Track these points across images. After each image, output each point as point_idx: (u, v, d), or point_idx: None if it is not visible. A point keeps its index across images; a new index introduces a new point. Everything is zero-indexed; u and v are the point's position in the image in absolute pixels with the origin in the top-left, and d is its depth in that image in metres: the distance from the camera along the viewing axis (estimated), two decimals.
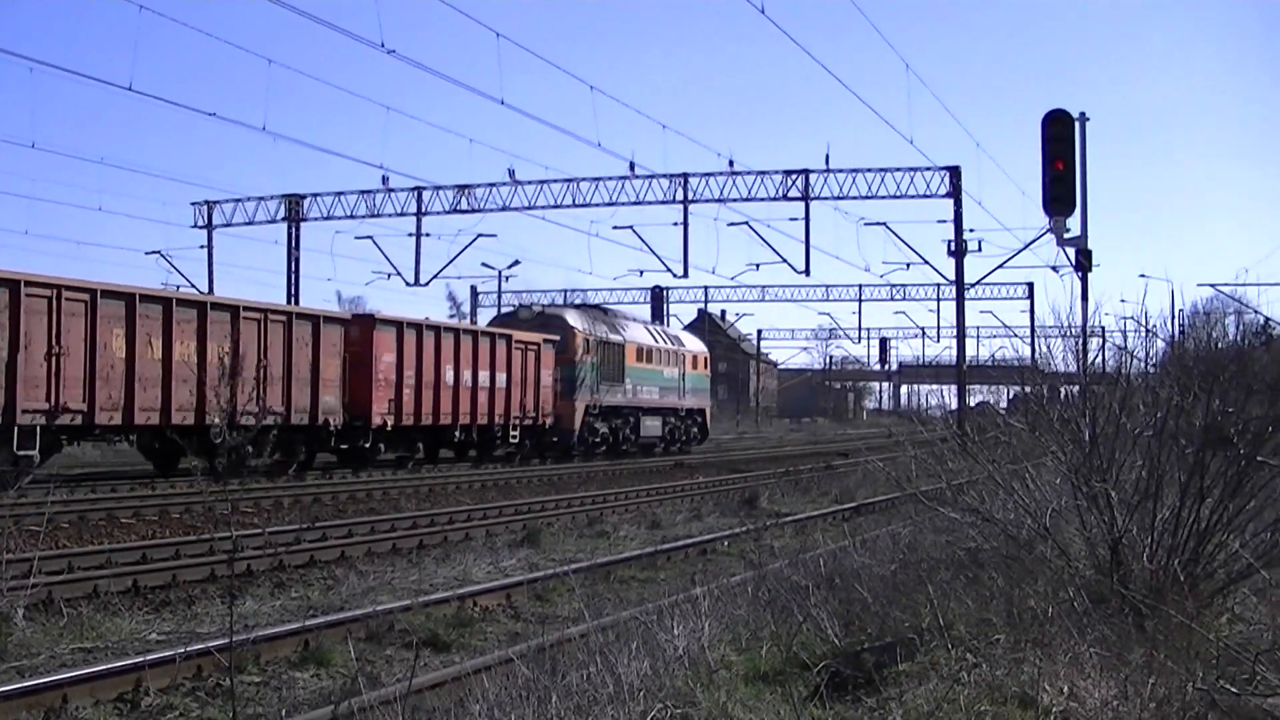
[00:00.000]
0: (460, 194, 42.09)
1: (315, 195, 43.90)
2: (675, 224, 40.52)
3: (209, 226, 44.86)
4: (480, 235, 47.60)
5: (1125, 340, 12.84)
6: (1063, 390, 10.29)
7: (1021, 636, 7.00)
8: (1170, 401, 8.34)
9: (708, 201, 40.22)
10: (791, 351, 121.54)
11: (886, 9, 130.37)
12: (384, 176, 42.31)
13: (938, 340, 79.28)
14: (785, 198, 39.46)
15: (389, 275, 49.64)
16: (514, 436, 34.40)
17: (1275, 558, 7.64)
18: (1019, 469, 9.21)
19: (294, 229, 44.37)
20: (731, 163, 40.24)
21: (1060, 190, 18.99)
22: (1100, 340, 13.58)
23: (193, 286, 44.33)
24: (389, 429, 29.32)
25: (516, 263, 72.55)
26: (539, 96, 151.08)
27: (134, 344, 22.40)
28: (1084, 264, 19.44)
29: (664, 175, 40.00)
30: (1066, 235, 19.54)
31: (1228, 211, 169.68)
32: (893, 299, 71.47)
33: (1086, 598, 7.55)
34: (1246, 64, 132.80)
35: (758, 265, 50.78)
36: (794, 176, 39.26)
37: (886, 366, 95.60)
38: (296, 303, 41.02)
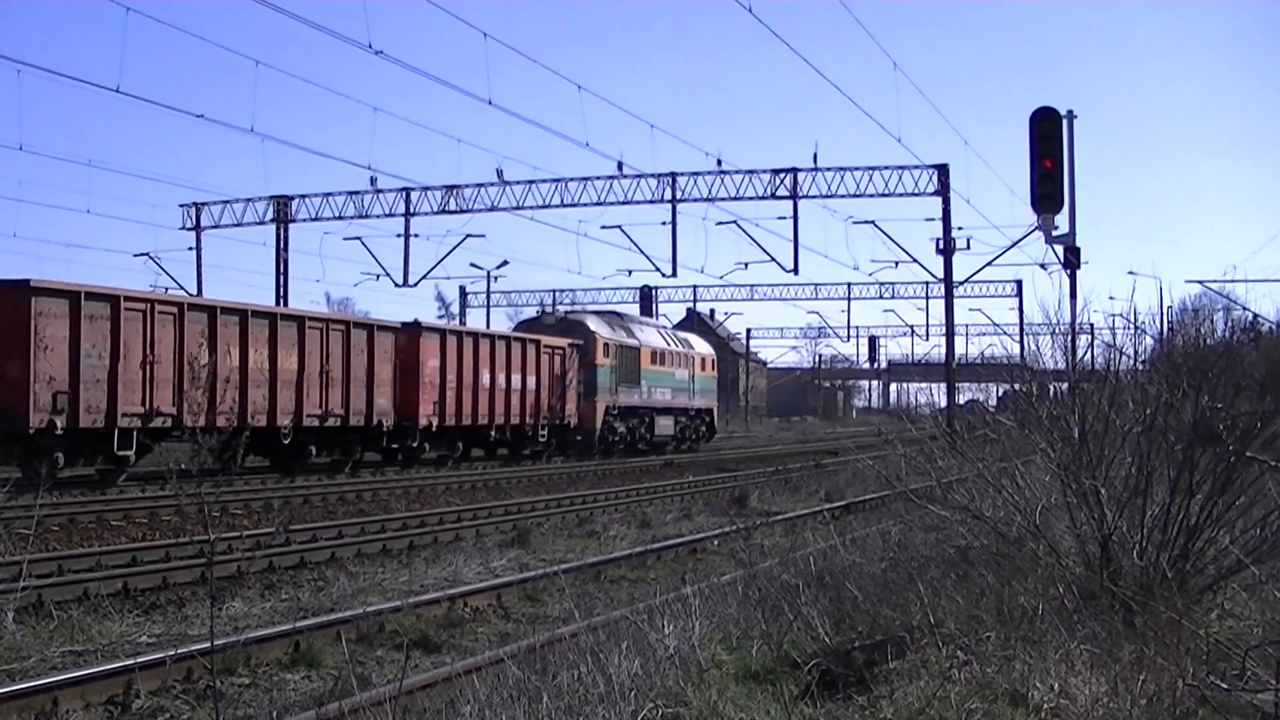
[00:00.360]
0: (448, 194, 42.00)
1: (303, 196, 43.74)
2: (664, 223, 40.42)
3: (197, 228, 44.66)
4: (468, 236, 47.75)
5: (1114, 337, 12.89)
6: (1052, 387, 10.31)
7: (1012, 634, 7.02)
8: (1159, 398, 8.36)
9: (696, 201, 40.16)
10: (780, 350, 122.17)
11: (873, 8, 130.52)
12: (372, 177, 42.20)
13: (927, 338, 79.38)
14: (773, 196, 39.42)
15: (378, 276, 49.73)
16: (543, 436, 36.39)
17: (1264, 553, 7.66)
18: (1008, 466, 9.21)
19: (282, 230, 44.21)
20: (719, 162, 40.08)
21: (1048, 187, 19.06)
22: (1089, 337, 13.60)
23: (181, 289, 44.23)
24: (434, 429, 31.21)
25: (505, 263, 72.57)
26: (527, 97, 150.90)
27: (215, 352, 24.04)
28: (1072, 261, 19.53)
29: (652, 175, 39.94)
30: (1055, 232, 19.61)
31: (1216, 209, 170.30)
32: (881, 297, 71.72)
33: (1076, 595, 7.57)
34: (1233, 63, 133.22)
35: (746, 264, 50.94)
36: (782, 175, 39.20)
37: (876, 365, 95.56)
38: (286, 304, 41.07)
